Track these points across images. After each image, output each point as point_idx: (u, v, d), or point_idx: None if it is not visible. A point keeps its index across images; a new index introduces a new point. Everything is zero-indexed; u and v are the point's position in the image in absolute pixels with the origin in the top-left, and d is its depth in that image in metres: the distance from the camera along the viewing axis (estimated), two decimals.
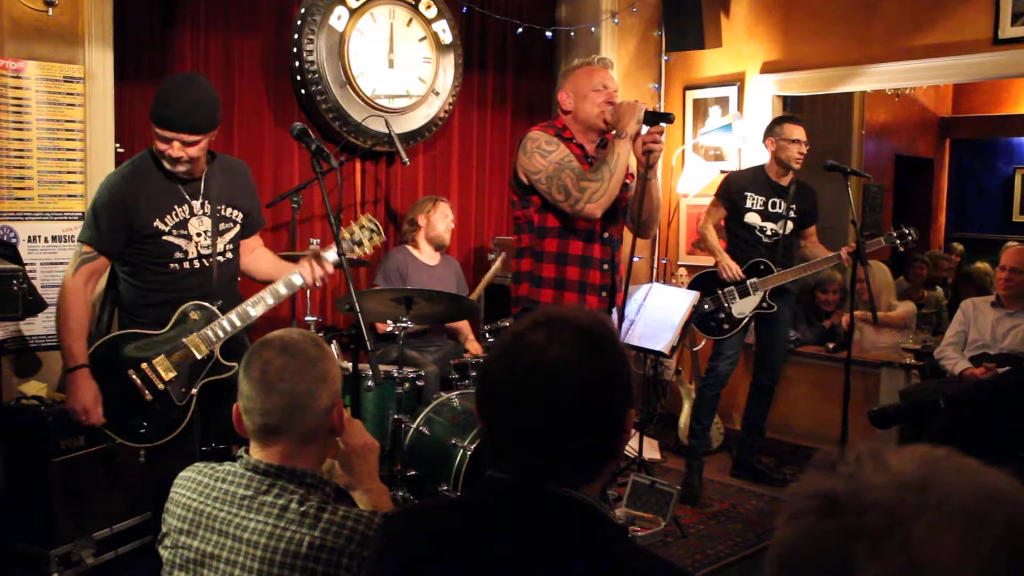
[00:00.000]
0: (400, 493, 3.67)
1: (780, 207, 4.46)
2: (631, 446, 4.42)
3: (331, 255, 2.98)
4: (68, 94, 3.70)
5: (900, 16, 4.82)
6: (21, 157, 3.60)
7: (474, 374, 4.18)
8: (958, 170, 8.92)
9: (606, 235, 3.24)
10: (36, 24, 3.62)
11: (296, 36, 4.53)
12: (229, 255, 3.03)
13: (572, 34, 5.54)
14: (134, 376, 2.81)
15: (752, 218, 4.46)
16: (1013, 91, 7.99)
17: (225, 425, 2.82)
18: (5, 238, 3.55)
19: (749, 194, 4.45)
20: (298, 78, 4.57)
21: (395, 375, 3.87)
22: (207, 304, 2.91)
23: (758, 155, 4.82)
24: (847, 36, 5.02)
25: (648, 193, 3.15)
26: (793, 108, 5.38)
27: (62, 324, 2.82)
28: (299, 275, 2.98)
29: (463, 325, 4.83)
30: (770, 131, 4.50)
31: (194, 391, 2.89)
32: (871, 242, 4.28)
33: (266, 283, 3.20)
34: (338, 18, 4.55)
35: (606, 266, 3.24)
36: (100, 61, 3.77)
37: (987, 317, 4.38)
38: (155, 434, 2.85)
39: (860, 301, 4.72)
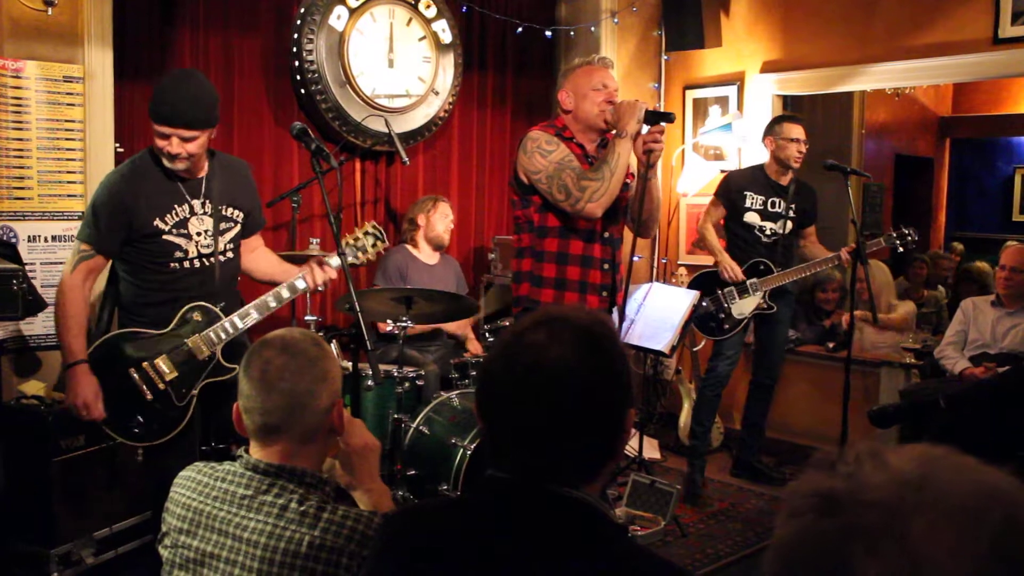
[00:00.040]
0: (400, 492, 3.67)
1: (779, 206, 4.46)
2: (631, 445, 4.42)
3: (335, 261, 3.02)
4: (68, 94, 3.70)
5: (900, 15, 4.81)
6: (21, 157, 3.60)
7: (474, 373, 4.18)
8: (958, 169, 8.92)
9: (607, 235, 3.23)
10: (36, 24, 3.61)
11: (296, 36, 4.53)
12: (230, 254, 3.03)
13: (572, 33, 5.54)
14: (135, 375, 2.81)
15: (751, 217, 4.45)
16: (1013, 90, 7.99)
17: (225, 424, 2.82)
18: (5, 238, 3.55)
19: (748, 193, 4.45)
20: (298, 78, 4.57)
21: (395, 374, 3.87)
22: (210, 305, 2.91)
23: (758, 154, 4.82)
24: (847, 35, 5.02)
25: (648, 193, 3.15)
26: (793, 107, 5.38)
27: (60, 321, 2.82)
28: (302, 279, 3.00)
29: (462, 325, 4.82)
30: (769, 130, 4.50)
31: (194, 392, 2.89)
32: (871, 242, 4.28)
33: (266, 283, 3.21)
34: (338, 18, 4.55)
35: (607, 266, 3.24)
36: (100, 61, 3.77)
37: (987, 316, 4.38)
38: (154, 433, 2.85)
39: (860, 301, 4.72)
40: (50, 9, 3.61)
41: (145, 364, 2.83)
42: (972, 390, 4.06)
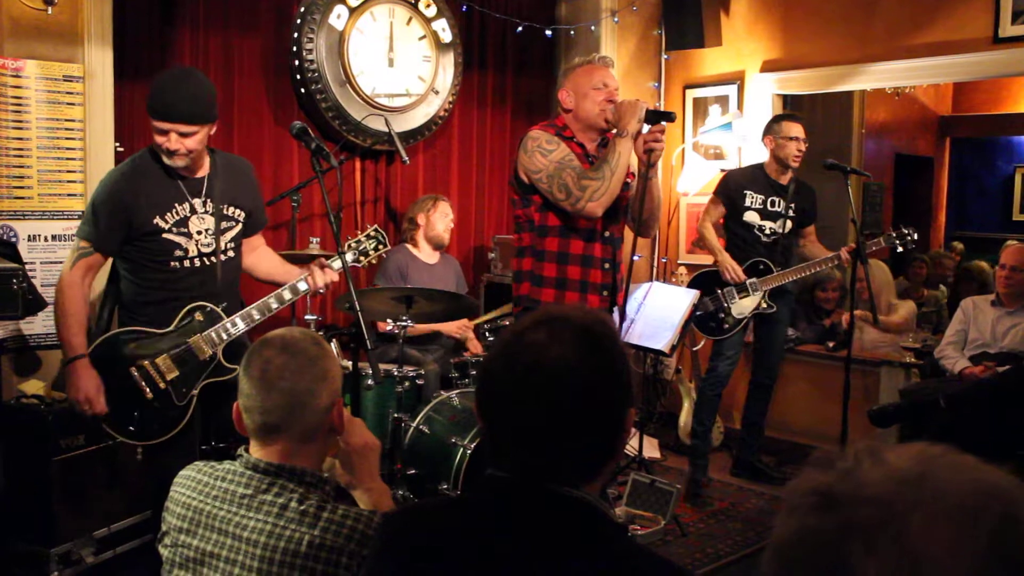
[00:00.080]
0: (400, 492, 3.67)
1: (779, 206, 4.46)
2: (631, 445, 4.43)
3: (337, 263, 3.02)
4: (68, 93, 3.70)
5: (900, 15, 4.81)
6: (21, 156, 3.60)
7: (474, 373, 4.18)
8: (958, 169, 8.92)
9: (607, 234, 3.23)
10: (36, 23, 3.61)
11: (296, 35, 4.53)
12: (231, 254, 3.02)
13: (572, 33, 5.54)
14: (135, 373, 2.81)
15: (751, 217, 4.45)
16: (1013, 90, 7.99)
17: (225, 424, 2.82)
18: (5, 237, 3.55)
19: (748, 192, 4.44)
20: (298, 77, 4.57)
21: (395, 374, 3.87)
22: (212, 306, 2.92)
23: (758, 154, 4.82)
24: (847, 35, 5.02)
25: (649, 192, 3.15)
26: (793, 107, 5.38)
27: (60, 317, 2.82)
28: (304, 281, 3.00)
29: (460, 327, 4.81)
30: (768, 129, 4.50)
31: (195, 391, 2.89)
32: (871, 241, 4.28)
33: (266, 282, 3.22)
34: (338, 17, 4.55)
35: (607, 265, 3.24)
36: (100, 60, 3.77)
37: (987, 316, 4.38)
38: (154, 432, 2.85)
39: (860, 300, 4.72)
40: (50, 8, 3.61)
41: (146, 363, 2.82)
42: (972, 390, 4.06)
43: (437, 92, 4.94)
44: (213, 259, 2.95)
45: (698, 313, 4.38)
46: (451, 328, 4.61)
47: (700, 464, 4.55)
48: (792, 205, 4.46)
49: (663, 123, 3.07)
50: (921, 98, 8.24)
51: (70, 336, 2.79)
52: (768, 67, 5.37)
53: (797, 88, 5.34)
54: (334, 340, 3.87)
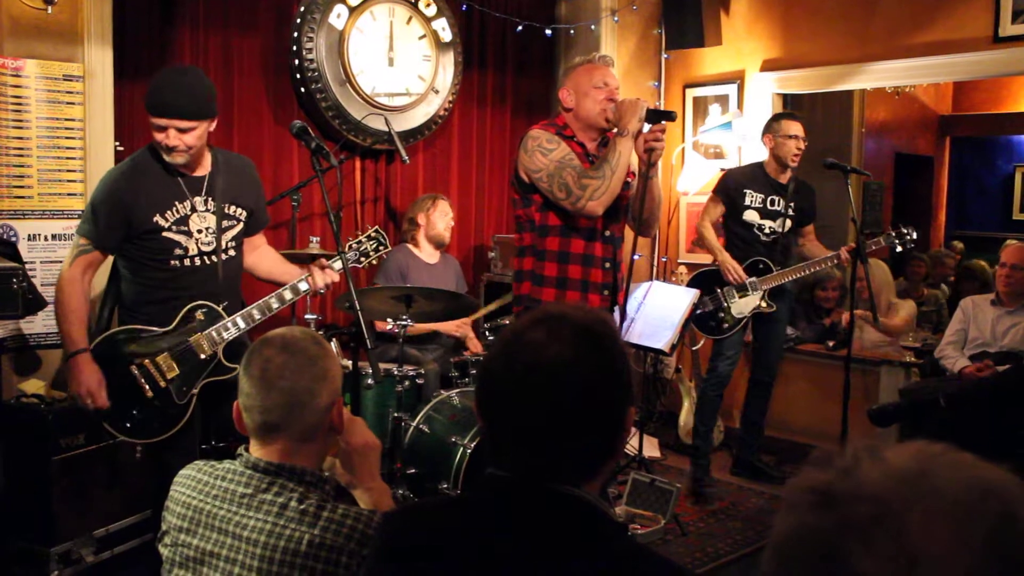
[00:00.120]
0: (400, 491, 3.67)
1: (779, 205, 4.45)
2: (631, 444, 4.43)
3: (337, 264, 3.03)
4: (68, 92, 3.70)
5: (900, 14, 4.81)
6: (21, 155, 3.60)
7: (474, 372, 4.18)
8: (958, 168, 8.91)
9: (608, 233, 3.23)
10: (35, 22, 3.61)
11: (296, 34, 4.53)
12: (232, 252, 3.02)
13: (572, 32, 5.54)
14: (136, 372, 2.81)
15: (751, 216, 4.45)
16: (1013, 89, 7.99)
17: (225, 423, 2.82)
18: (5, 236, 3.55)
19: (748, 191, 4.44)
20: (298, 76, 4.57)
21: (395, 373, 3.87)
22: (213, 305, 2.92)
23: (758, 153, 4.82)
24: (847, 34, 5.02)
25: (649, 191, 3.15)
26: (793, 106, 5.37)
27: (61, 313, 2.82)
28: (305, 282, 3.01)
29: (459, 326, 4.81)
30: (768, 128, 4.49)
31: (195, 390, 2.89)
32: (871, 241, 4.28)
33: (267, 281, 3.22)
34: (337, 16, 4.55)
35: (608, 264, 3.24)
36: (99, 59, 3.77)
37: (987, 315, 4.38)
38: (154, 431, 2.85)
39: (860, 300, 4.72)
40: (50, 8, 3.61)
41: (146, 361, 2.83)
42: (972, 389, 4.06)
43: (437, 91, 4.94)
44: (214, 258, 2.95)
45: (698, 311, 4.37)
46: (449, 327, 4.62)
47: (702, 464, 4.55)
48: (792, 204, 4.46)
49: (664, 122, 3.07)
50: (921, 97, 8.24)
51: (71, 331, 2.79)
52: (768, 66, 5.37)
53: (797, 87, 5.34)
54: (334, 339, 3.87)
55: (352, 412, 2.62)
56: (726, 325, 4.45)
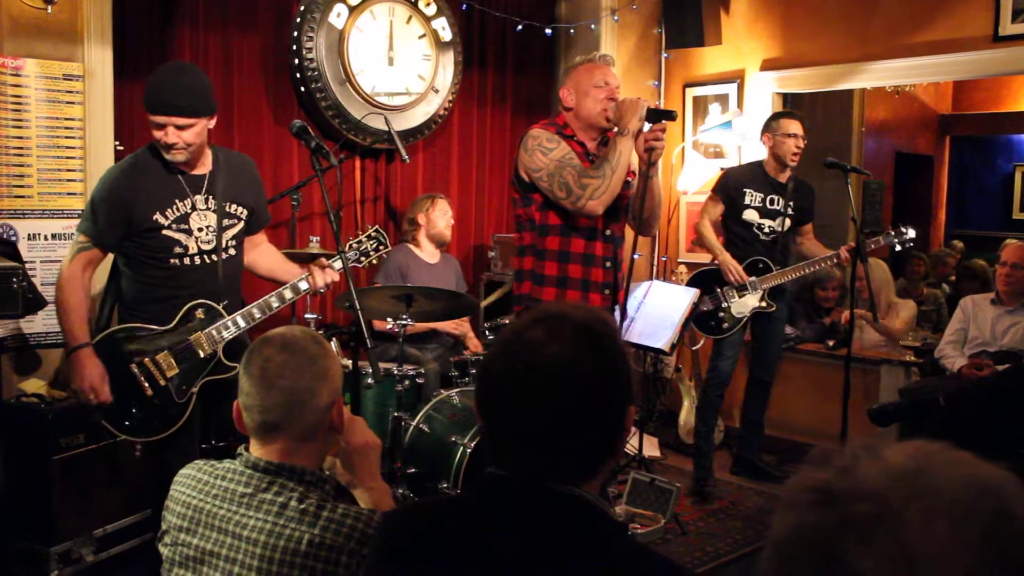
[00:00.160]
0: (400, 491, 3.67)
1: (778, 204, 4.45)
2: (631, 443, 4.43)
3: (337, 263, 3.03)
4: (67, 92, 3.69)
5: (900, 13, 4.81)
6: (21, 155, 3.60)
7: (474, 371, 4.18)
8: (958, 167, 8.91)
9: (608, 232, 3.23)
10: (35, 22, 3.61)
11: (295, 34, 4.53)
12: (232, 251, 3.02)
13: (572, 31, 5.54)
14: (136, 370, 2.81)
15: (751, 215, 4.45)
16: (1013, 88, 7.99)
17: (225, 422, 2.82)
18: (5, 236, 3.55)
19: (748, 191, 4.44)
20: (297, 76, 4.57)
21: (395, 372, 3.87)
22: (212, 303, 2.92)
23: (758, 153, 4.82)
24: (847, 33, 5.02)
25: (650, 191, 3.15)
26: (793, 105, 5.37)
27: (62, 310, 2.82)
28: (305, 281, 3.01)
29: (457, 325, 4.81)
30: (767, 127, 4.49)
31: (194, 389, 2.89)
32: (870, 240, 4.28)
33: (267, 279, 3.22)
34: (337, 15, 4.55)
35: (608, 263, 3.24)
36: (99, 59, 3.77)
37: (986, 315, 4.38)
38: (153, 429, 2.85)
39: (860, 299, 4.72)
40: (50, 7, 3.61)
41: (146, 360, 2.83)
42: (972, 388, 4.06)
43: (437, 91, 4.94)
44: (214, 256, 2.95)
45: (702, 309, 4.37)
46: (447, 325, 4.62)
47: (705, 465, 4.55)
48: (791, 203, 4.46)
49: (664, 122, 3.07)
50: (921, 96, 8.24)
51: (73, 327, 2.79)
52: (768, 65, 5.37)
53: (797, 86, 5.34)
54: (334, 339, 3.88)
55: (352, 411, 2.62)
56: (726, 325, 4.45)
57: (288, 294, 3.01)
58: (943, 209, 8.88)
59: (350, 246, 3.20)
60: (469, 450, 3.62)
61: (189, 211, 2.89)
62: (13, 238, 3.56)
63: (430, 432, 3.80)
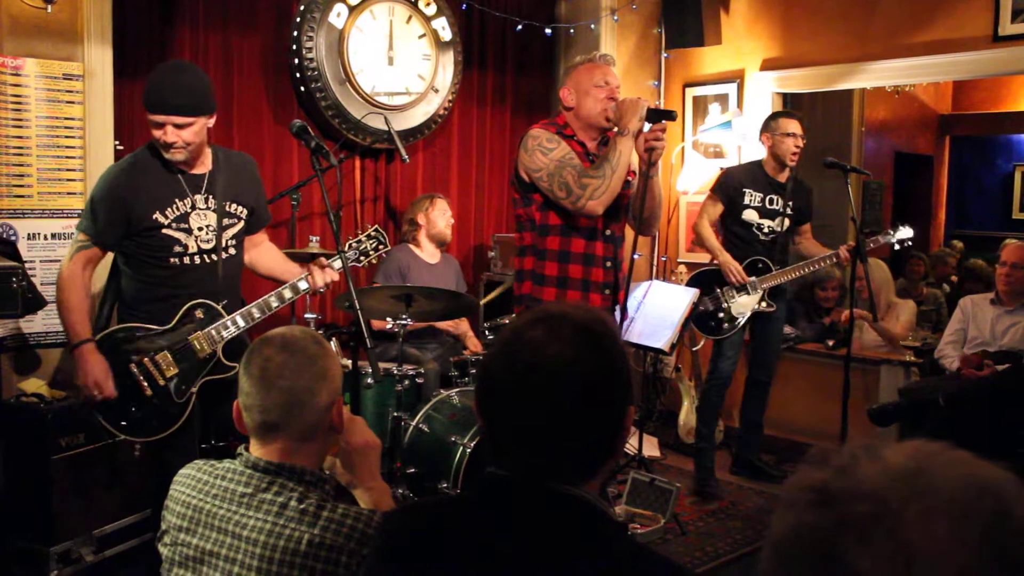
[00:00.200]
0: (400, 490, 3.67)
1: (778, 204, 4.45)
2: (631, 443, 4.43)
3: (337, 263, 3.03)
4: (67, 91, 3.70)
5: (900, 13, 4.81)
6: (20, 155, 3.60)
7: (474, 371, 4.18)
8: (958, 167, 8.92)
9: (608, 232, 3.23)
10: (35, 21, 3.61)
11: (295, 33, 4.53)
12: (232, 251, 3.02)
13: (572, 31, 5.54)
14: (135, 370, 2.81)
15: (750, 215, 4.44)
16: (1013, 88, 7.99)
17: (225, 422, 2.82)
18: (4, 235, 3.55)
19: (747, 190, 4.43)
20: (297, 75, 4.57)
21: (395, 372, 3.87)
22: (212, 303, 2.92)
23: (757, 153, 4.82)
24: (847, 33, 5.02)
25: (650, 191, 3.15)
26: (793, 105, 5.37)
27: (63, 308, 2.82)
28: (304, 281, 3.01)
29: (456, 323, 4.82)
30: (766, 127, 4.49)
31: (194, 389, 2.89)
32: (870, 240, 4.28)
33: (267, 278, 3.22)
34: (337, 15, 4.55)
35: (608, 263, 3.24)
36: (99, 58, 3.77)
37: (986, 315, 4.38)
38: (153, 429, 2.85)
39: (860, 299, 4.72)
40: (50, 7, 3.61)
41: (146, 360, 2.82)
42: (971, 388, 4.06)
43: (437, 90, 4.94)
44: (214, 256, 2.95)
45: (700, 309, 4.37)
46: (446, 324, 4.63)
47: (706, 465, 4.55)
48: (790, 203, 4.46)
49: (664, 121, 3.07)
50: (921, 96, 8.24)
51: (74, 323, 2.79)
52: (768, 65, 5.37)
53: (797, 86, 5.34)
54: (334, 339, 3.88)
55: (352, 411, 2.63)
56: (726, 325, 4.45)
57: (287, 294, 3.01)
58: (943, 209, 8.88)
59: (350, 246, 3.20)
60: (469, 450, 3.62)
61: (189, 210, 2.89)
62: (13, 238, 3.56)
63: (430, 432, 3.80)
